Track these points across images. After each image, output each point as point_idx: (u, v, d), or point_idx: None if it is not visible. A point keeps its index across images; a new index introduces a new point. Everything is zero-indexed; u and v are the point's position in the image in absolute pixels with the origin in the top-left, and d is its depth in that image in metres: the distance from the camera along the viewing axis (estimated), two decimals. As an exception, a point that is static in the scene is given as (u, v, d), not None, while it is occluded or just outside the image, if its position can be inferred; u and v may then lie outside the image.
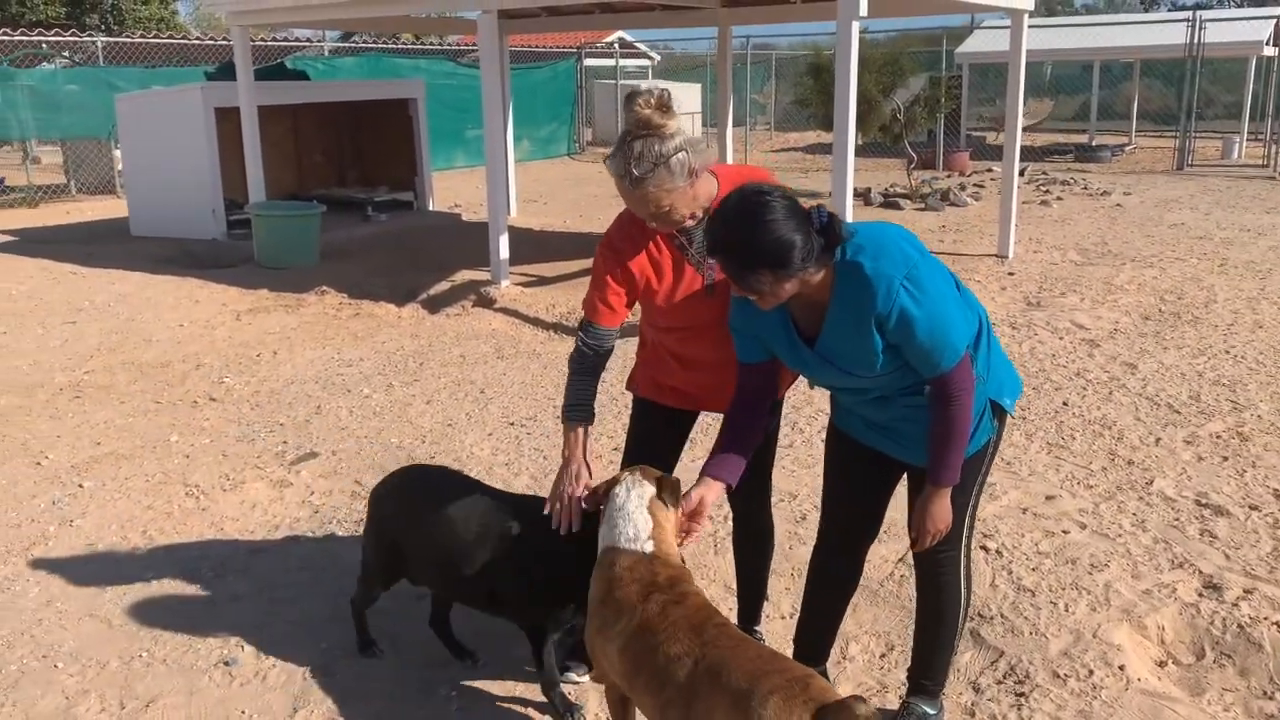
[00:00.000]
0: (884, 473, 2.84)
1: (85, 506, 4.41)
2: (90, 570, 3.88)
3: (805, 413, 5.45)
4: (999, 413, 2.74)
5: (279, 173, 11.98)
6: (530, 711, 3.05)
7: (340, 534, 4.18)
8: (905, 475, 2.84)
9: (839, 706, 2.09)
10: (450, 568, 2.97)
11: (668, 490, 2.67)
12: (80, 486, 4.61)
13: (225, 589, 3.74)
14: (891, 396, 2.63)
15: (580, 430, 2.90)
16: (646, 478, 2.68)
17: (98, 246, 10.39)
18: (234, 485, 4.63)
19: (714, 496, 2.69)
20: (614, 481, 2.69)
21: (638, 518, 2.60)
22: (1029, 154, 17.66)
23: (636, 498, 2.62)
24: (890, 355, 2.49)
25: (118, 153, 13.40)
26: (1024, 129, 21.34)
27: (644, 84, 24.48)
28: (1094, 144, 19.33)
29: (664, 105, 2.61)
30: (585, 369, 2.92)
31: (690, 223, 2.75)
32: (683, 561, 2.66)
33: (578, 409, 2.91)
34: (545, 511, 2.89)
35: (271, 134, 11.40)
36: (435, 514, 2.99)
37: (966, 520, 2.81)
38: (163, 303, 8.01)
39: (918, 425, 2.61)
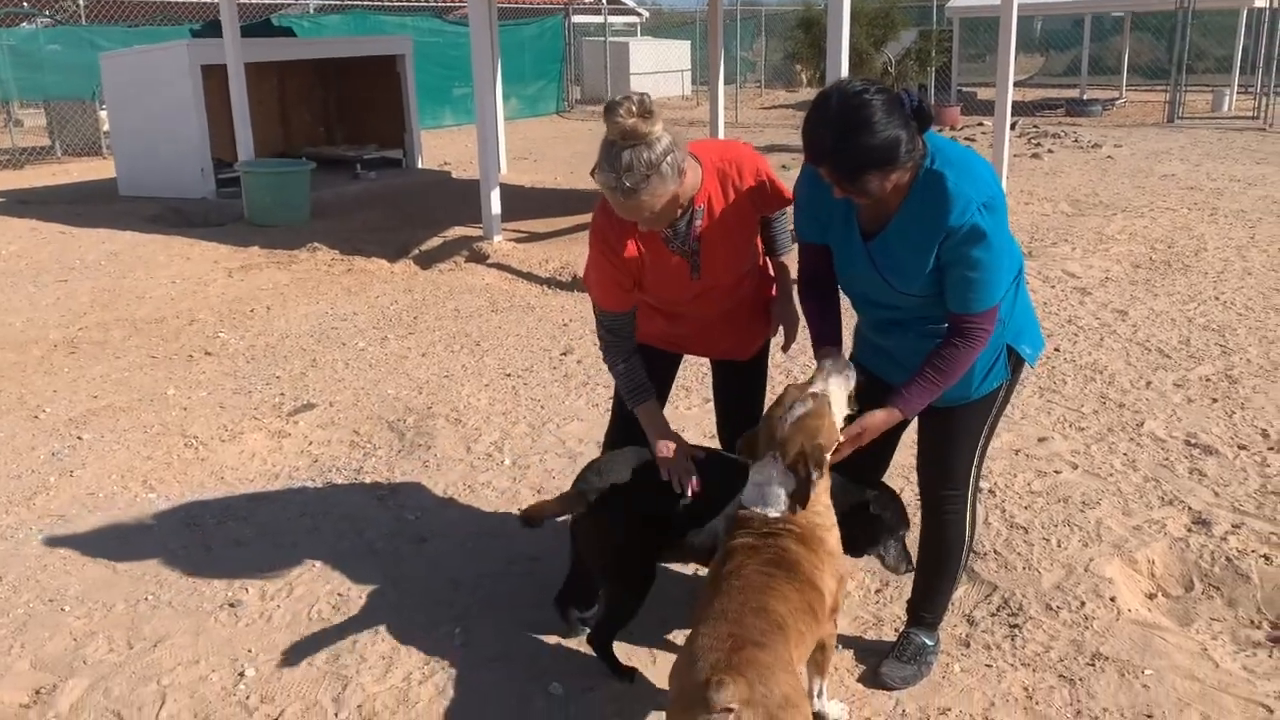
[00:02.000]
0: None
1: (85, 458, 4.43)
2: (92, 518, 3.91)
3: (799, 361, 5.48)
4: (1015, 361, 2.74)
5: (266, 132, 11.89)
6: (531, 649, 3.10)
7: (339, 481, 4.21)
8: (918, 417, 2.85)
9: (694, 688, 2.04)
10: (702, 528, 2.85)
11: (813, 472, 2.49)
12: (79, 438, 4.63)
13: (227, 535, 3.78)
14: (909, 324, 2.63)
15: (648, 407, 2.88)
16: (791, 470, 2.47)
17: (86, 207, 10.32)
18: (232, 436, 4.66)
19: (836, 355, 2.67)
20: (763, 442, 2.52)
21: (769, 493, 2.48)
22: (1020, 109, 17.60)
23: (779, 485, 2.48)
24: (934, 277, 2.48)
25: (103, 113, 13.27)
26: (1014, 84, 21.12)
27: (630, 42, 24.23)
28: (1085, 98, 19.26)
29: (646, 110, 2.52)
30: (621, 355, 2.89)
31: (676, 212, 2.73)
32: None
33: (636, 393, 2.89)
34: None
35: (258, 93, 11.31)
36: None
37: (975, 462, 2.84)
38: (154, 261, 7.99)
39: None
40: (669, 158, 2.54)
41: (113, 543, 3.71)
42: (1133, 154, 12.90)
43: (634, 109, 2.50)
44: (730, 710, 1.98)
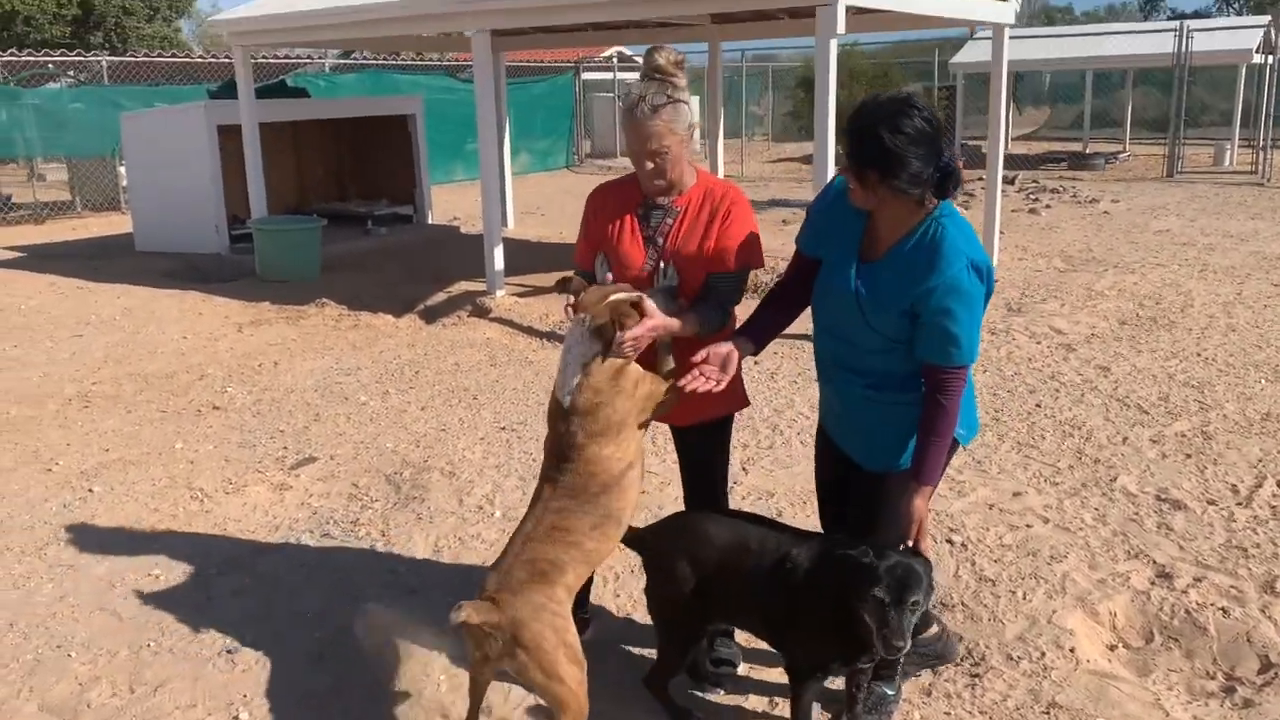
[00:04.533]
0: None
1: (94, 510, 4.62)
2: (100, 568, 4.08)
3: (786, 415, 5.65)
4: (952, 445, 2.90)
5: (280, 188, 12.21)
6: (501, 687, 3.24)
7: (336, 533, 4.38)
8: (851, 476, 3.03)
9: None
10: (747, 600, 2.86)
11: (610, 345, 2.67)
12: (90, 491, 4.82)
13: (227, 584, 3.95)
14: (859, 373, 2.80)
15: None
16: (596, 331, 2.67)
17: (103, 262, 10.62)
18: (236, 489, 4.84)
19: (740, 354, 2.82)
20: (579, 315, 2.73)
21: (568, 373, 2.72)
22: (1023, 162, 17.86)
23: (579, 356, 2.70)
24: (904, 322, 2.64)
25: (122, 169, 13.66)
26: (1019, 137, 21.38)
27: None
28: (1088, 152, 19.52)
29: (679, 64, 2.87)
30: None
31: (662, 195, 2.94)
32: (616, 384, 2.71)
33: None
34: None
35: (273, 150, 11.64)
36: (736, 549, 2.86)
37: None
38: (167, 316, 8.24)
39: (885, 426, 2.80)
40: (686, 107, 2.85)
41: (118, 592, 3.88)
42: (1129, 209, 13.10)
43: (671, 56, 2.86)
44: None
